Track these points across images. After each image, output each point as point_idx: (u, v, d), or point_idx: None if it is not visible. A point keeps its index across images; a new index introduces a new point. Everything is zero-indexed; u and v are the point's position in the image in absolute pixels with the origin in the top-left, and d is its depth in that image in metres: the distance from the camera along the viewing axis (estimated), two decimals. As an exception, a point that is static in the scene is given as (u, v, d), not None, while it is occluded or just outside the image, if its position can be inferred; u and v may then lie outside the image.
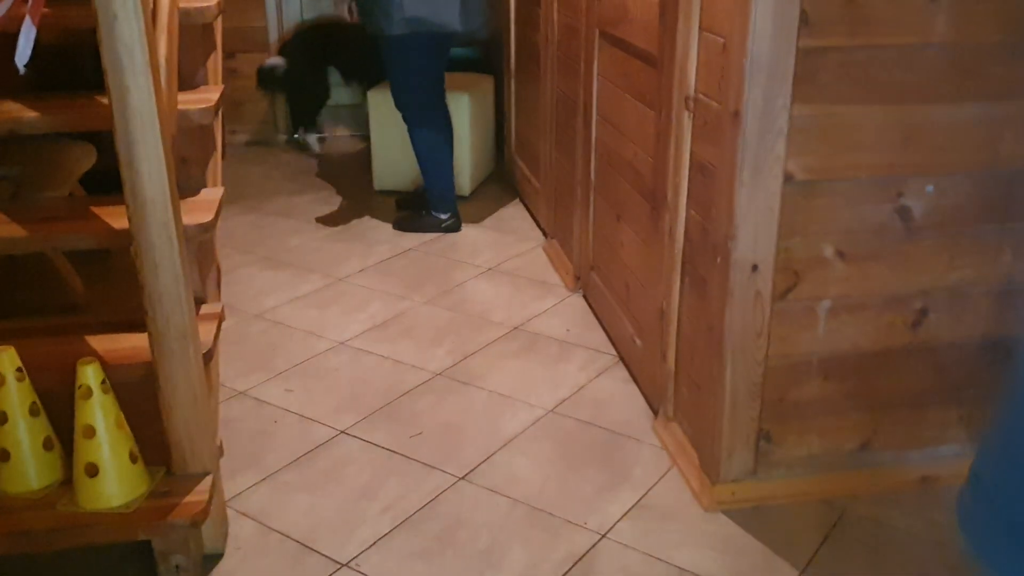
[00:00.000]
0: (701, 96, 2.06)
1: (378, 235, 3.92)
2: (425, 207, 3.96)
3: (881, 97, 1.85)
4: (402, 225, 3.98)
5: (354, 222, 4.08)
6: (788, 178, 1.87)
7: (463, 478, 2.28)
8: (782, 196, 1.88)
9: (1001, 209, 1.97)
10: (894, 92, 1.85)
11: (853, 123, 1.86)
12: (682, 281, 2.27)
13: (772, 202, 1.88)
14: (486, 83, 4.54)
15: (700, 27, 2.03)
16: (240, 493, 2.22)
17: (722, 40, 1.90)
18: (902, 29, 1.80)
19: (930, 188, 1.93)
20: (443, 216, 3.93)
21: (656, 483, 2.26)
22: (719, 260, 1.98)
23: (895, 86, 1.84)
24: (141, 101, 1.66)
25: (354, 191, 4.51)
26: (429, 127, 3.79)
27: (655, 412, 2.51)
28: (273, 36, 5.21)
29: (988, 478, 0.92)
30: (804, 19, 1.76)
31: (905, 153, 1.90)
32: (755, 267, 1.93)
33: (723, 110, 1.91)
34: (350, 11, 3.75)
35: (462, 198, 4.26)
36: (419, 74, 3.71)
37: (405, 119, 3.79)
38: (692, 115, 2.11)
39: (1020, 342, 0.90)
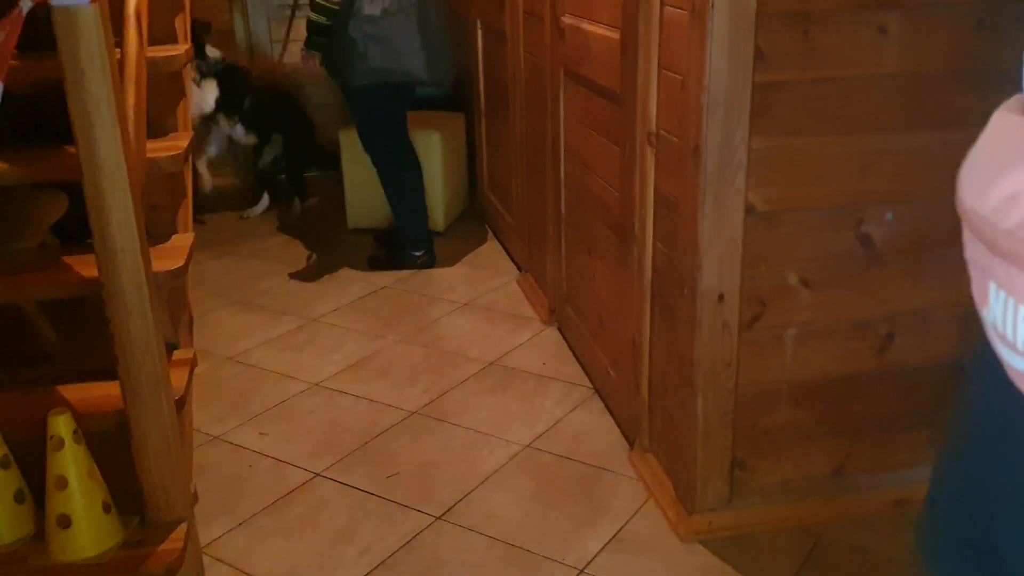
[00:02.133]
0: (663, 132, 2.09)
1: (352, 274, 3.93)
2: (399, 245, 3.98)
3: (837, 128, 1.89)
4: (376, 264, 3.99)
5: (328, 262, 4.09)
6: (750, 209, 1.91)
7: (440, 518, 2.28)
8: (744, 227, 1.92)
9: (960, 234, 2.01)
10: (850, 123, 1.89)
11: (811, 154, 1.90)
12: (652, 312, 2.30)
13: (735, 233, 1.92)
14: (457, 121, 4.59)
15: (659, 65, 2.07)
16: (216, 539, 2.21)
17: (680, 78, 1.95)
18: (854, 62, 1.85)
19: (890, 215, 1.97)
20: (417, 253, 3.96)
21: (633, 515, 2.26)
22: (686, 291, 2.01)
23: (850, 117, 1.89)
24: (109, 153, 1.67)
25: (328, 231, 4.52)
26: (397, 169, 3.84)
27: (631, 444, 2.52)
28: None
29: (941, 499, 0.94)
30: (759, 55, 1.81)
31: (863, 182, 1.94)
32: (721, 297, 1.96)
33: (684, 145, 1.95)
34: (322, 63, 3.80)
35: (436, 234, 4.29)
36: (385, 121, 3.78)
37: (374, 162, 3.84)
38: (655, 150, 2.15)
39: (969, 365, 0.93)
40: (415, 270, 3.93)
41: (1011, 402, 0.75)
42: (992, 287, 0.74)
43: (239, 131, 4.52)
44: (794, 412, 2.11)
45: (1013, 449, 0.80)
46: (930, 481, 0.97)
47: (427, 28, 3.58)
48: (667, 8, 2.01)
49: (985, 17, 1.88)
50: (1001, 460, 0.82)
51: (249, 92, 4.52)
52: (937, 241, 2.02)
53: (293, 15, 4.54)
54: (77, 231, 2.28)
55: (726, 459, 2.11)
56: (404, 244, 3.97)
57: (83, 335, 2.72)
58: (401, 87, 3.69)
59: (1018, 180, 0.70)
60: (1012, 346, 0.72)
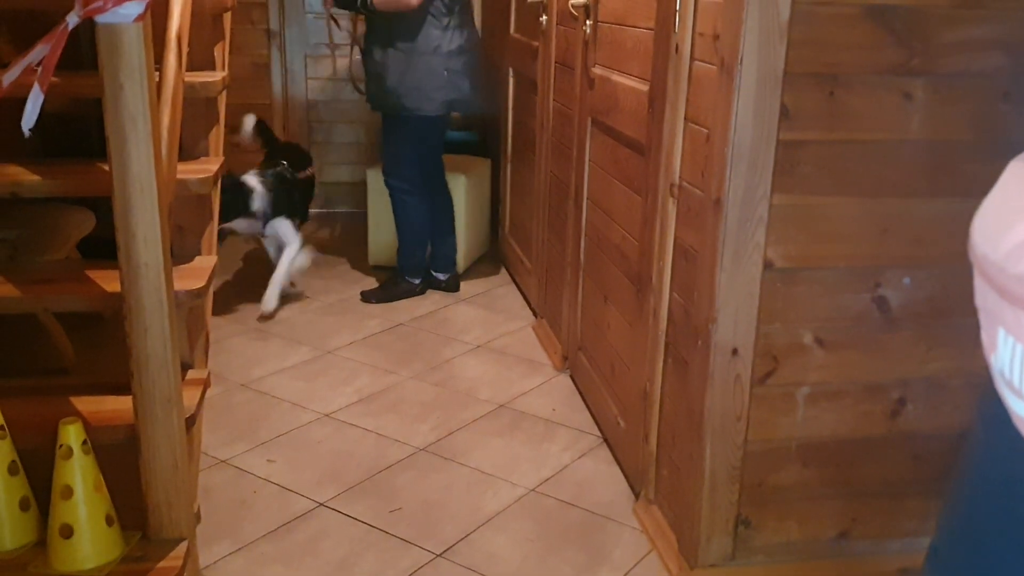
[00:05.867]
0: (685, 184, 2.12)
1: (370, 309, 3.96)
2: (398, 273, 4.11)
3: (859, 190, 1.91)
4: (375, 296, 4.06)
5: (347, 296, 4.12)
6: (768, 265, 1.92)
7: (440, 555, 2.27)
8: (762, 282, 1.92)
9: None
10: (871, 185, 1.91)
11: (832, 214, 1.91)
12: (665, 363, 2.30)
13: (752, 288, 1.92)
14: (483, 166, 4.64)
15: (685, 118, 2.10)
16: (215, 562, 2.20)
17: (706, 131, 1.97)
18: (879, 126, 1.87)
19: (907, 280, 1.98)
20: (416, 281, 4.10)
21: (634, 566, 2.24)
22: (700, 343, 2.01)
23: (872, 180, 1.90)
24: (141, 168, 1.71)
25: (348, 266, 4.56)
26: (422, 198, 4.00)
27: (636, 494, 2.51)
28: (278, 114, 5.33)
29: (944, 551, 0.94)
30: (785, 113, 1.83)
31: (882, 245, 1.95)
32: (735, 351, 1.96)
33: (706, 198, 1.96)
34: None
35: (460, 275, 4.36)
36: (432, 150, 3.99)
37: (401, 190, 3.97)
38: (677, 202, 2.17)
39: (976, 414, 0.93)
40: (426, 308, 3.96)
41: (1012, 450, 0.75)
42: (1001, 332, 0.75)
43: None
44: (802, 472, 2.09)
45: (1015, 502, 0.80)
46: (936, 530, 0.96)
47: (481, 65, 3.90)
48: (696, 63, 2.04)
49: (1011, 90, 1.90)
50: (1006, 512, 0.82)
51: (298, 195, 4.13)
52: (953, 309, 2.02)
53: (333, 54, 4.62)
54: (101, 251, 2.32)
55: (731, 515, 2.09)
56: (404, 273, 4.09)
57: (101, 352, 2.76)
58: (447, 120, 3.96)
59: None
60: (1018, 392, 0.72)
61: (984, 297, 0.79)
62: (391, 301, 4.04)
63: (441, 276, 4.20)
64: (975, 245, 0.80)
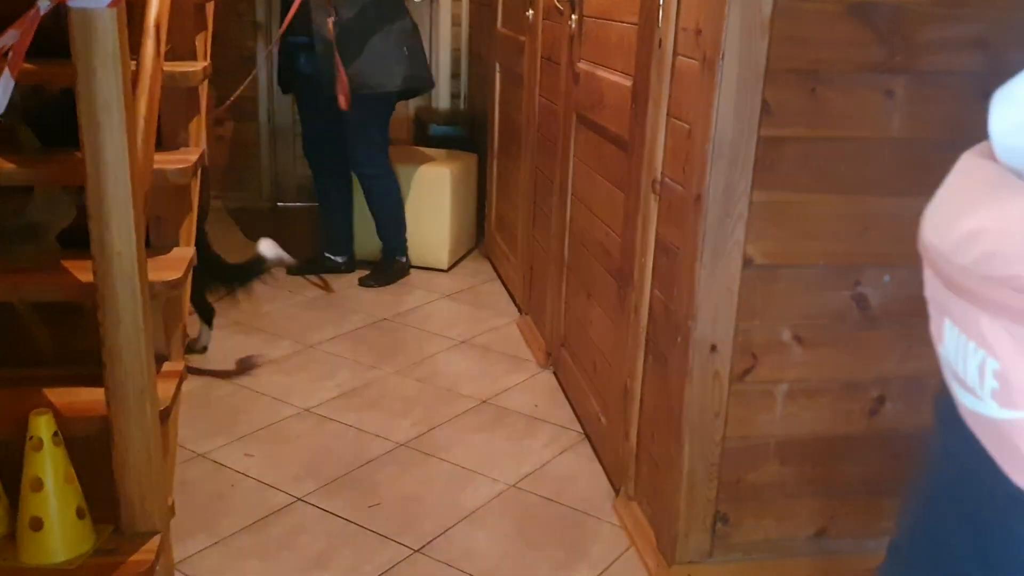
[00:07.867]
0: (667, 180, 2.11)
1: (353, 304, 3.94)
2: (389, 256, 4.21)
3: (840, 187, 1.90)
4: (375, 280, 4.14)
5: (330, 291, 4.10)
6: (747, 262, 1.91)
7: (418, 551, 2.26)
8: (741, 279, 1.92)
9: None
10: (852, 183, 1.90)
11: (812, 211, 1.91)
12: (646, 359, 2.29)
13: (731, 284, 1.91)
14: (470, 161, 4.62)
15: (668, 114, 2.09)
16: (190, 556, 2.19)
17: (687, 127, 1.96)
18: (860, 124, 1.86)
19: (887, 278, 1.97)
20: (404, 259, 4.23)
21: (613, 562, 2.24)
22: (679, 339, 2.00)
23: (853, 177, 1.90)
24: (115, 156, 1.69)
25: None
26: (394, 178, 4.14)
27: (616, 490, 2.50)
28: (264, 107, 5.30)
29: (903, 547, 0.93)
30: (766, 109, 1.82)
31: (862, 243, 1.94)
32: (714, 347, 1.95)
33: (686, 194, 1.96)
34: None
35: (441, 272, 4.33)
36: (387, 130, 4.09)
37: (376, 176, 4.05)
38: (658, 198, 2.16)
39: (934, 410, 0.93)
40: (410, 303, 3.95)
41: (966, 445, 0.74)
42: (947, 324, 0.74)
43: None
44: (780, 469, 2.09)
45: (970, 497, 0.79)
46: (896, 527, 0.96)
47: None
48: (679, 58, 2.03)
49: (992, 90, 1.88)
50: (959, 508, 0.81)
51: None
52: (934, 307, 2.01)
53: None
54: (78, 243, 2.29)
55: (709, 512, 2.08)
56: (396, 254, 4.19)
57: (79, 343, 2.73)
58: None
59: (979, 218, 0.71)
60: (962, 383, 0.72)
61: (933, 289, 0.78)
62: (392, 283, 4.16)
63: (339, 259, 4.32)
64: (924, 236, 0.79)
